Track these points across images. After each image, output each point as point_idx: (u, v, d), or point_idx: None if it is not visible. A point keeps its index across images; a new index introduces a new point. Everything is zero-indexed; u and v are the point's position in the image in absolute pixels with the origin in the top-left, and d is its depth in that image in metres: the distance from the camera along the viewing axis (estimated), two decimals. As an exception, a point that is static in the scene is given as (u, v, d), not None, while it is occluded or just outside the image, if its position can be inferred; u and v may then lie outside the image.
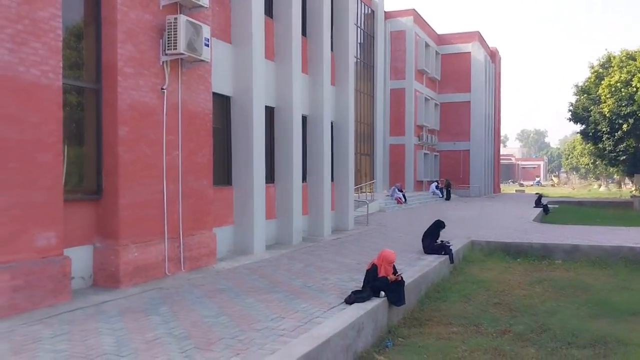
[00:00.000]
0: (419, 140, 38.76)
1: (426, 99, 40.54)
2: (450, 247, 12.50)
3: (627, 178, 74.33)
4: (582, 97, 38.27)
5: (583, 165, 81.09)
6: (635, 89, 30.91)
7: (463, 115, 43.55)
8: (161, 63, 9.51)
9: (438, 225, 12.74)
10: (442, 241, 12.63)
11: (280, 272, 10.14)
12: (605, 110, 33.45)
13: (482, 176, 43.95)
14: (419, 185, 38.69)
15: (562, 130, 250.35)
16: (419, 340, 7.59)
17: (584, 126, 38.33)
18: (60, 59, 7.62)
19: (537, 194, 32.97)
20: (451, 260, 12.27)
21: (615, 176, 74.14)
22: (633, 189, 58.78)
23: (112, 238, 8.66)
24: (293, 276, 9.70)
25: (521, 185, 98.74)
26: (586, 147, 68.81)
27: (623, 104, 32.53)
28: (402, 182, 34.95)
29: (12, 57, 6.93)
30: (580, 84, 40.03)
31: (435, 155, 43.09)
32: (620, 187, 76.11)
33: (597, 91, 36.16)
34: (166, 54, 9.47)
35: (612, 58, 37.01)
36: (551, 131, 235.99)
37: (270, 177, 13.71)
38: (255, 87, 12.30)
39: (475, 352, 7.08)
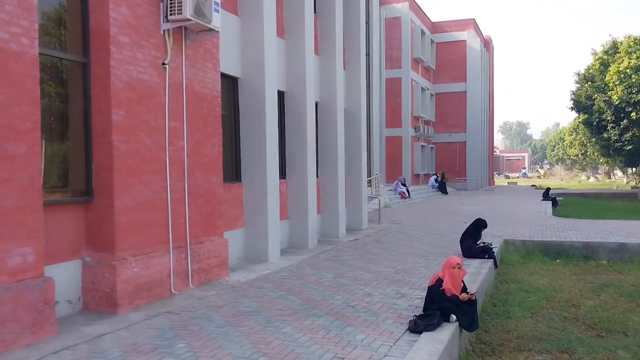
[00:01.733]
0: (416, 132, 37.23)
1: (422, 89, 39.01)
2: (494, 250, 10.92)
3: (617, 169, 74.00)
4: (585, 85, 36.94)
5: (572, 157, 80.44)
6: (646, 75, 29.68)
7: (459, 105, 42.12)
8: (162, 32, 7.70)
9: (479, 225, 11.13)
10: (484, 243, 11.02)
11: (309, 285, 8.43)
12: (614, 97, 32.12)
13: (479, 168, 42.65)
14: (416, 178, 37.19)
15: (544, 122, 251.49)
16: (507, 378, 5.97)
17: (586, 115, 37.09)
18: (35, 20, 5.79)
19: (547, 188, 31.55)
20: (495, 264, 10.69)
21: (604, 167, 73.58)
22: (626, 180, 58.23)
23: (107, 250, 6.87)
24: (327, 291, 7.99)
25: (507, 177, 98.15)
26: (577, 138, 68.23)
27: (633, 91, 31.19)
28: (399, 175, 33.37)
29: (-30, 11, 5.10)
30: (582, 71, 38.74)
31: (431, 147, 41.63)
32: (609, 177, 75.68)
33: (603, 78, 34.87)
34: (168, 21, 7.66)
35: (617, 44, 35.74)
36: (533, 123, 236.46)
37: (281, 172, 11.95)
38: (268, 66, 10.53)
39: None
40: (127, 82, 7.05)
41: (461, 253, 11.05)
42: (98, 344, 5.61)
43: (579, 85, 38.89)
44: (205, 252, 8.57)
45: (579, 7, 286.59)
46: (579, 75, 39.32)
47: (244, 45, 10.49)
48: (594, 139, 41.04)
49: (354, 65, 15.56)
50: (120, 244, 6.90)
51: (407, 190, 26.55)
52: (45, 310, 5.75)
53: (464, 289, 6.65)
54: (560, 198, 31.07)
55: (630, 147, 35.40)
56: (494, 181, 54.75)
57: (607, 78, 32.89)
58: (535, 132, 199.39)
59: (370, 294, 7.83)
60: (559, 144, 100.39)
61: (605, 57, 36.10)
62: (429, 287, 6.69)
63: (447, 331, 6.00)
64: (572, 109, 39.78)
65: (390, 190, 26.49)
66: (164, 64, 7.71)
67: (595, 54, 37.81)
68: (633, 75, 30.53)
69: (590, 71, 37.71)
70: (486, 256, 10.65)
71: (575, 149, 73.98)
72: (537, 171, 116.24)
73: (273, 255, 10.65)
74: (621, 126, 34.82)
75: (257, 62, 10.44)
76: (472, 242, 10.87)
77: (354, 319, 6.54)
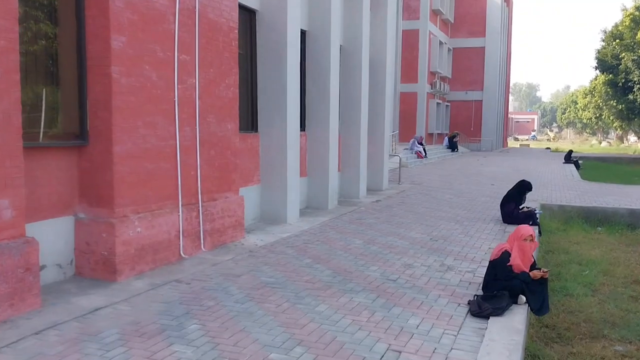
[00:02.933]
0: (432, 89, 35.62)
1: (440, 43, 37.17)
2: (537, 216, 9.77)
3: (632, 134, 72.31)
4: (613, 43, 34.93)
5: (584, 120, 78.56)
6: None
7: (476, 62, 40.30)
8: (172, -56, 6.36)
9: (523, 188, 9.92)
10: (527, 207, 9.86)
11: (338, 252, 7.32)
12: None
13: (494, 129, 41.19)
14: (430, 138, 35.80)
15: (554, 84, 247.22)
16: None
17: (611, 75, 35.24)
18: None
19: (569, 150, 30.10)
20: (539, 232, 9.57)
21: (618, 131, 71.82)
22: None
23: (104, 205, 5.73)
24: (360, 260, 6.88)
25: (516, 139, 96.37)
26: (592, 101, 66.29)
27: None
28: (412, 134, 32.01)
29: None
30: (609, 29, 36.64)
31: (446, 105, 40.04)
32: (622, 142, 74.01)
33: (633, 36, 32.82)
34: None
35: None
36: (543, 85, 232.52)
37: (300, 123, 10.68)
38: (291, -1, 9.17)
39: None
40: (130, 2, 5.76)
41: (501, 218, 9.94)
42: (91, 321, 4.53)
43: (604, 44, 36.91)
44: (218, 211, 7.44)
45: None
46: (605, 32, 37.27)
47: (265, -27, 9.10)
48: (614, 101, 39.27)
49: (381, 7, 14.06)
50: (121, 198, 5.76)
51: (424, 150, 25.29)
52: (27, 278, 4.65)
53: (534, 265, 5.53)
54: (580, 162, 29.79)
55: (658, 110, 33.81)
56: (507, 143, 53.29)
57: (638, 36, 30.91)
58: (545, 95, 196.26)
59: (410, 264, 6.71)
60: (570, 107, 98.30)
61: (637, 13, 33.98)
62: (491, 261, 5.56)
63: (520, 316, 4.91)
64: (595, 68, 37.89)
65: (406, 149, 25.22)
66: (173, -17, 6.39)
67: (625, 10, 35.67)
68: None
69: (620, 28, 35.64)
70: (530, 223, 9.50)
71: (589, 112, 72.15)
72: (547, 134, 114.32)
73: (292, 216, 9.53)
74: (649, 88, 33.12)
75: (279, -6, 9.06)
76: (514, 206, 9.71)
77: (400, 296, 5.44)
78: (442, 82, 37.45)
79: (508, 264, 5.34)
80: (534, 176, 19.62)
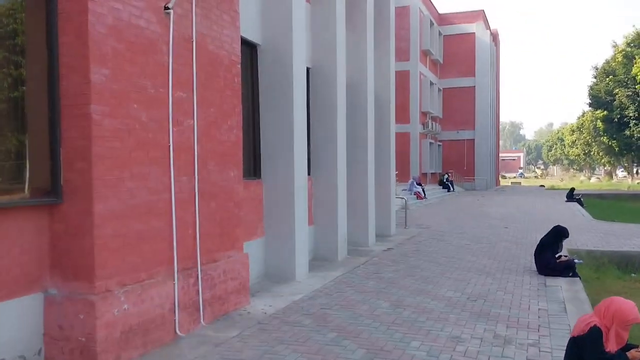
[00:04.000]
0: (424, 129, 35.01)
1: (430, 84, 36.81)
2: (576, 265, 8.69)
3: (621, 169, 72.44)
4: (606, 80, 34.79)
5: (572, 156, 78.78)
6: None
7: (467, 101, 39.96)
8: (165, -38, 5.39)
9: (559, 234, 8.86)
10: (565, 256, 8.79)
11: (363, 320, 6.14)
12: None
13: (488, 168, 40.56)
14: (423, 177, 34.96)
15: (536, 122, 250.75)
16: None
17: (605, 112, 34.95)
18: None
19: (571, 188, 29.30)
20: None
21: (606, 167, 71.94)
22: (631, 180, 56.54)
23: (82, 278, 4.55)
24: (395, 332, 5.70)
25: (503, 177, 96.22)
26: (580, 138, 66.51)
27: None
28: (407, 174, 31.15)
29: None
30: (599, 65, 36.63)
31: (438, 144, 39.45)
32: (611, 177, 74.02)
33: (626, 72, 32.68)
34: (175, -55, 5.35)
35: (643, 35, 33.59)
36: (525, 123, 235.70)
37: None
38: (296, 30, 8.24)
39: None
40: (114, 27, 4.73)
41: (534, 268, 8.86)
42: None
43: (596, 80, 36.79)
44: (220, 274, 6.26)
45: (575, 7, 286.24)
46: (597, 69, 37.23)
47: (266, 3, 8.18)
48: (606, 137, 38.94)
49: (384, 40, 13.28)
50: (102, 269, 4.58)
51: (423, 190, 24.35)
52: (-27, 388, 3.43)
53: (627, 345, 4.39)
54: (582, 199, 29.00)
55: (655, 144, 33.42)
56: (499, 181, 52.72)
57: (634, 71, 30.73)
58: (528, 133, 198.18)
59: (458, 337, 5.55)
60: (557, 144, 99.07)
61: (629, 49, 34.00)
62: (573, 338, 4.42)
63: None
64: (589, 104, 37.68)
65: (404, 190, 24.24)
66: (166, 7, 5.39)
67: (616, 46, 35.72)
68: (664, 67, 28.39)
69: (612, 64, 35.62)
70: (570, 274, 8.44)
71: (577, 148, 72.41)
72: (534, 171, 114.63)
73: (301, 272, 8.36)
74: (645, 122, 32.84)
75: (283, 24, 8.14)
76: (550, 255, 8.63)
77: (462, 386, 4.27)
78: (433, 122, 36.92)
79: (608, 350, 4.18)
80: (543, 217, 18.68)
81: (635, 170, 62.76)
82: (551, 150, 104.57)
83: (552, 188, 44.11)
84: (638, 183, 51.58)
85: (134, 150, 4.97)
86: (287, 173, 8.23)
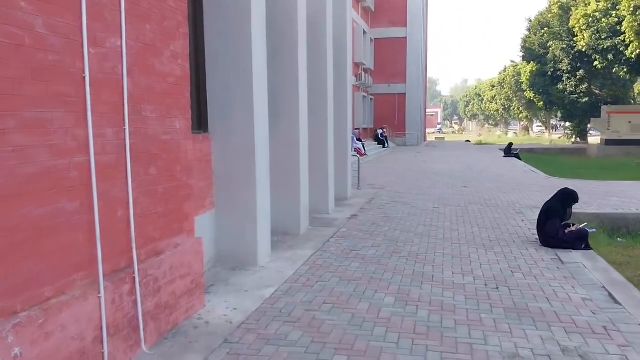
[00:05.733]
0: (357, 81, 33.29)
1: (364, 32, 34.96)
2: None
3: (537, 124, 74.94)
4: (541, 32, 34.29)
5: (491, 112, 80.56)
6: (617, 19, 26.93)
7: (399, 53, 38.53)
8: None
9: (567, 198, 7.49)
10: (573, 225, 7.45)
11: (372, 328, 4.43)
12: (582, 44, 29.52)
13: (419, 123, 39.81)
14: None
15: (451, 79, 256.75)
16: None
17: (539, 65, 34.65)
18: None
19: (509, 143, 28.75)
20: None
21: (523, 122, 74.08)
22: (559, 135, 58.30)
23: None
24: (422, 348, 4.04)
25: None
26: (501, 93, 67.70)
27: (602, 37, 28.68)
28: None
29: None
30: (533, 17, 36.10)
31: (370, 98, 38.01)
32: (528, 132, 76.42)
33: (562, 24, 32.25)
34: None
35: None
36: (441, 80, 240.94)
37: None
38: None
39: None
40: None
41: (536, 238, 7.52)
42: None
43: (528, 33, 36.35)
44: (166, 272, 4.29)
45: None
46: (530, 21, 36.75)
47: None
48: (528, 92, 39.04)
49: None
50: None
51: (363, 146, 22.87)
52: None
53: None
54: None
55: (586, 99, 33.58)
56: (426, 137, 52.51)
57: (571, 23, 30.29)
58: (444, 89, 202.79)
59: (515, 355, 3.95)
60: (474, 100, 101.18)
61: (565, 0, 33.54)
62: None
63: None
64: (522, 58, 37.32)
65: (343, 145, 22.57)
66: None
67: (552, -3, 35.26)
68: (603, 19, 27.98)
69: (548, 16, 35.17)
70: (583, 246, 7.13)
71: (496, 104, 73.98)
72: (452, 127, 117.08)
73: (263, 254, 6.51)
74: (577, 77, 32.79)
75: None
76: (560, 224, 7.27)
77: None
78: (365, 74, 35.30)
79: None
80: (495, 173, 17.77)
81: (558, 125, 64.90)
82: (468, 106, 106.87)
83: (480, 143, 44.28)
84: (560, 137, 53.12)
85: (25, 82, 2.86)
86: (246, 125, 6.23)
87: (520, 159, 24.71)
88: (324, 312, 4.80)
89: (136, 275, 3.85)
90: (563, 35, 32.59)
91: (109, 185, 3.61)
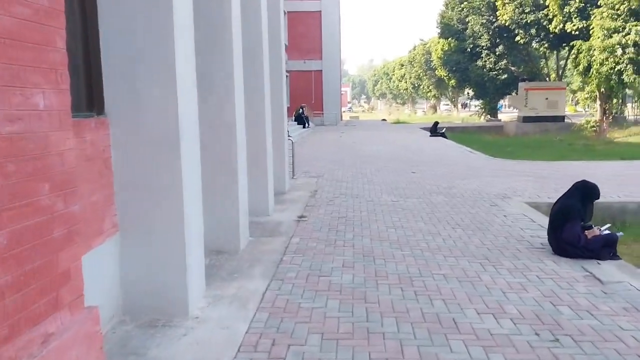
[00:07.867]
0: (272, 57, 31.00)
1: (277, 5, 32.59)
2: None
3: (445, 102, 76.16)
4: (460, 6, 33.44)
5: (400, 90, 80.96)
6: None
7: (314, 28, 36.63)
8: None
9: (587, 194, 5.91)
10: (593, 228, 5.89)
11: None
12: (505, 17, 28.74)
13: (336, 101, 38.25)
14: (272, 112, 31.36)
15: (358, 59, 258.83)
16: None
17: (457, 41, 33.91)
18: None
19: (435, 122, 27.58)
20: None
21: (431, 100, 74.95)
22: (470, 113, 59.08)
23: None
24: None
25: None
26: (411, 72, 67.86)
27: (526, 10, 28.02)
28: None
29: None
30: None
31: (286, 75, 35.76)
32: (435, 111, 77.49)
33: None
34: None
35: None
36: (348, 59, 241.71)
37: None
38: None
39: None
40: None
41: (550, 245, 5.93)
42: None
43: (445, 9, 35.55)
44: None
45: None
46: (449, -6, 35.92)
47: None
48: (440, 71, 38.53)
49: None
50: None
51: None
52: None
53: None
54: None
55: (505, 76, 33.31)
56: (342, 116, 51.19)
57: (496, -4, 29.59)
58: (351, 68, 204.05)
59: None
60: (382, 79, 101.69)
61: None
62: None
63: None
64: (439, 34, 36.54)
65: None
66: None
67: (472, -30, 34.47)
68: (526, -6, 27.47)
69: (468, -10, 34.43)
70: (611, 254, 5.62)
71: (406, 82, 74.29)
72: (361, 105, 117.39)
73: (197, 296, 4.38)
74: (497, 53, 32.37)
75: None
76: (580, 228, 5.68)
77: None
78: (281, 50, 33.06)
79: None
80: (433, 156, 16.45)
81: (468, 103, 65.87)
82: (377, 85, 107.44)
83: (398, 122, 43.54)
84: (470, 115, 53.70)
85: None
86: (165, 102, 4.02)
87: (446, 138, 23.83)
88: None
89: None
90: (483, 9, 32.01)
91: None
